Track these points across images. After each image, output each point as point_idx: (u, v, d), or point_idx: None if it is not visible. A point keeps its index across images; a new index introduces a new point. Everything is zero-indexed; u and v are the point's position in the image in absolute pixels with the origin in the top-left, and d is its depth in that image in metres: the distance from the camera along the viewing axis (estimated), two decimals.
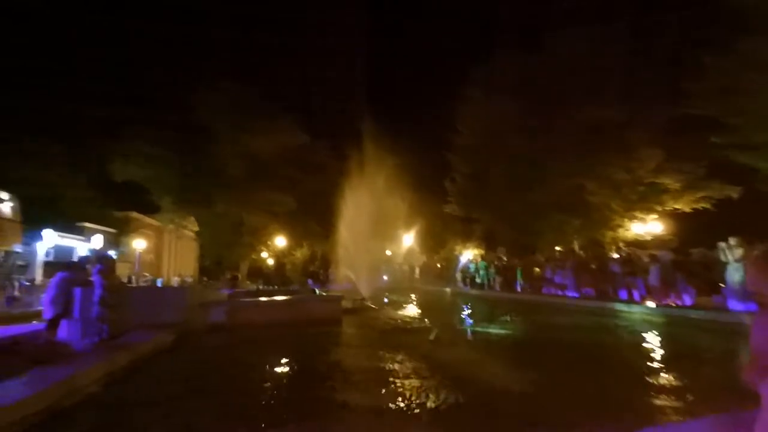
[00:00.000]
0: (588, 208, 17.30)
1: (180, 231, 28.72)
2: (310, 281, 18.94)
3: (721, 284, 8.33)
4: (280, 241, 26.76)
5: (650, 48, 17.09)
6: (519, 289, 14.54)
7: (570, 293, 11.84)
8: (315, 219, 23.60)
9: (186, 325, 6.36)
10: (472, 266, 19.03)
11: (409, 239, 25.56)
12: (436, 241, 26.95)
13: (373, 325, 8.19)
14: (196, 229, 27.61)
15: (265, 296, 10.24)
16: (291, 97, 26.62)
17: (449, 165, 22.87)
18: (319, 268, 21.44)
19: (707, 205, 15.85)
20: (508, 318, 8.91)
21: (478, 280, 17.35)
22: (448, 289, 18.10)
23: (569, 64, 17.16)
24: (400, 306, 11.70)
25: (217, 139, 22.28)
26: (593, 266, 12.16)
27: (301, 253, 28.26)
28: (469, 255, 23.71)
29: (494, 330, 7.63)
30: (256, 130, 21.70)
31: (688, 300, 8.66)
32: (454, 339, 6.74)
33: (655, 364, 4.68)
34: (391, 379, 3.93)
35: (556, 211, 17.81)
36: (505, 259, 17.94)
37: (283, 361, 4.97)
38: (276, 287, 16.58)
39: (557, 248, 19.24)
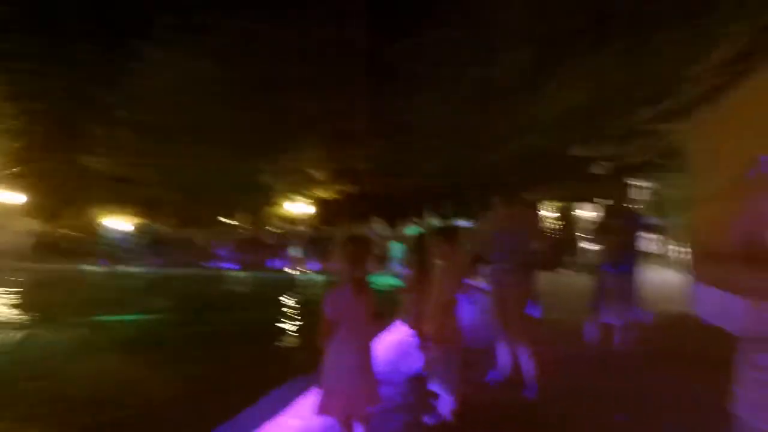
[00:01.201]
0: (259, 186, 18.73)
1: None
2: None
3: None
4: None
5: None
6: (180, 263, 13.45)
7: (231, 265, 12.27)
8: None
9: None
10: (123, 237, 15.50)
11: (13, 196, 17.15)
12: (66, 201, 19.77)
13: None
14: None
15: None
16: None
17: (104, 106, 17.47)
18: None
19: (338, 196, 21.36)
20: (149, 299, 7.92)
21: (129, 254, 14.36)
22: (82, 267, 13.71)
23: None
24: None
25: None
26: (255, 240, 13.33)
27: None
28: (121, 223, 19.18)
29: (122, 318, 6.46)
30: None
31: (318, 266, 11.21)
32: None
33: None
34: None
35: (230, 185, 18.09)
36: (169, 229, 16.05)
37: None
38: None
39: (225, 220, 19.69)
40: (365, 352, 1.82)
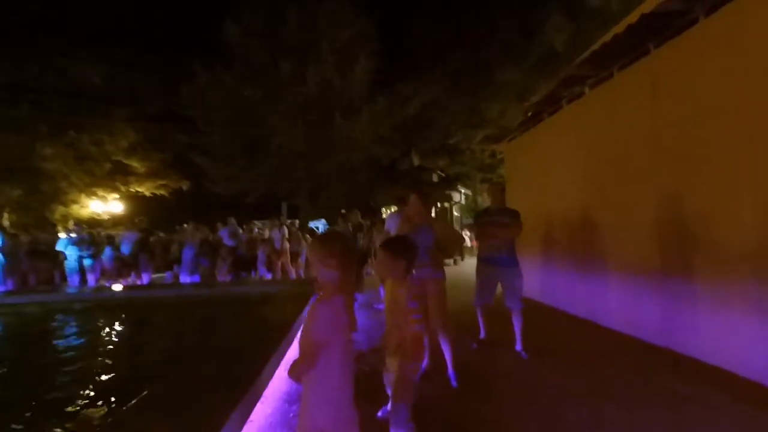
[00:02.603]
0: (38, 176, 13.57)
1: None
2: None
3: (175, 262, 9.44)
4: None
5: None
6: None
7: None
8: None
9: None
10: None
11: None
12: None
13: None
14: None
15: None
16: None
17: None
18: None
19: (165, 192, 17.73)
20: None
21: None
22: None
23: None
24: None
25: None
26: (32, 249, 9.47)
27: None
28: None
29: None
30: None
31: (146, 278, 8.97)
32: None
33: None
34: None
35: None
36: None
37: None
38: None
39: None
40: (352, 377, 1.54)
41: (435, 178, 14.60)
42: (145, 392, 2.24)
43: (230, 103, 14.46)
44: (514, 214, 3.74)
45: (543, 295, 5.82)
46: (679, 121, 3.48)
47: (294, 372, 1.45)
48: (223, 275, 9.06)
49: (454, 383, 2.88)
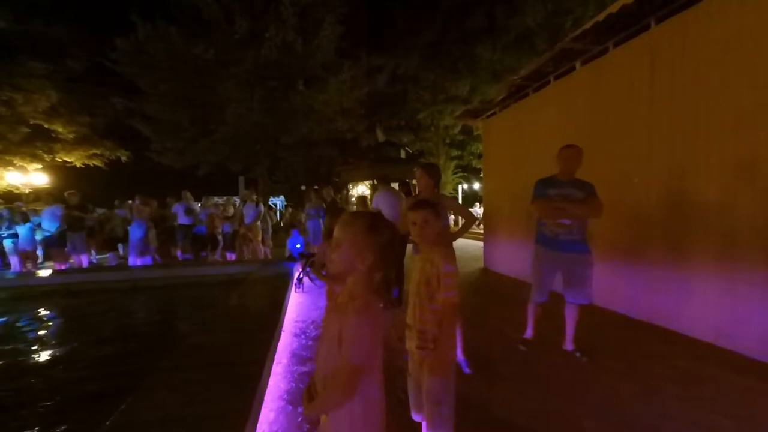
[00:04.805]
0: None
1: None
2: None
3: (119, 242, 8.45)
4: None
5: None
6: None
7: None
8: None
9: None
10: None
11: None
12: None
13: None
14: None
15: None
16: None
17: None
18: None
19: (99, 163, 15.73)
20: None
21: None
22: None
23: None
24: None
25: None
26: None
27: None
28: None
29: None
30: None
31: (86, 260, 7.88)
32: None
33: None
34: None
35: None
36: None
37: None
38: None
39: None
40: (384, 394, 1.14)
41: (403, 155, 14.31)
42: (122, 406, 1.80)
43: (176, 62, 12.82)
44: (590, 189, 2.87)
45: (526, 273, 5.86)
46: (677, 99, 3.48)
47: (321, 409, 1.06)
48: (180, 255, 8.27)
49: (466, 370, 2.73)
